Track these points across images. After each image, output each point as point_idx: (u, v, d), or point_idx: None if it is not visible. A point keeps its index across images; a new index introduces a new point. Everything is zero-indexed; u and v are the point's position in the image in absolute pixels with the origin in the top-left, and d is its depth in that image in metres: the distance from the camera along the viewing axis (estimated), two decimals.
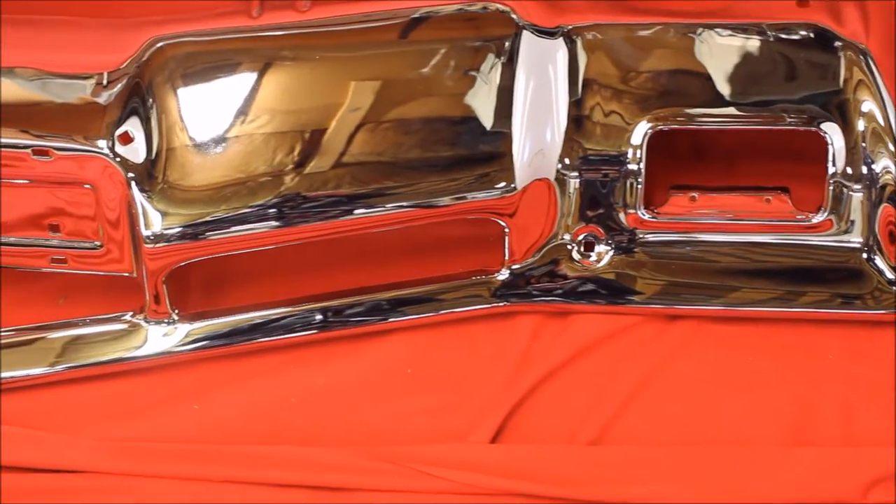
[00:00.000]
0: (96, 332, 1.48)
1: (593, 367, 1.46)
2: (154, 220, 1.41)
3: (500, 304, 1.50)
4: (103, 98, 1.42)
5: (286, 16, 1.46)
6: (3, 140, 1.41)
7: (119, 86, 1.42)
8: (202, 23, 1.45)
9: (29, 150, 1.41)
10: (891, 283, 1.47)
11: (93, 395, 1.46)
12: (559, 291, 1.50)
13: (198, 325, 1.48)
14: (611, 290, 1.50)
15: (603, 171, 1.47)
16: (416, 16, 1.47)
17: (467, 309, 1.50)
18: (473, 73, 1.45)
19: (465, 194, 1.45)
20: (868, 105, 1.45)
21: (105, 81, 1.43)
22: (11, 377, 1.46)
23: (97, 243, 1.45)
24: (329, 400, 1.45)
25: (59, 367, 1.47)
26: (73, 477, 1.37)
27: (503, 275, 1.51)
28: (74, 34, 1.48)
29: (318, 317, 1.49)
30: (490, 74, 1.45)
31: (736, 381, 1.44)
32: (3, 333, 1.48)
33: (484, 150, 1.45)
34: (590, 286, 1.51)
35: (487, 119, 1.44)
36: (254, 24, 1.45)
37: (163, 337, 1.48)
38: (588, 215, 1.49)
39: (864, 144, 1.45)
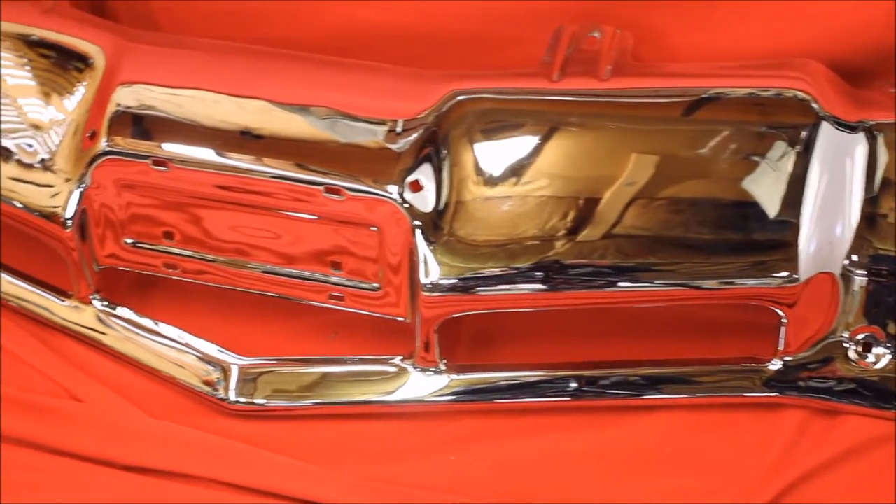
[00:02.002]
0: (364, 371, 1.51)
1: (858, 471, 1.42)
2: (434, 269, 1.43)
3: (770, 394, 1.47)
4: (398, 145, 1.45)
5: (585, 82, 1.46)
6: (299, 175, 1.45)
7: (415, 134, 1.45)
8: (503, 81, 1.47)
9: (322, 188, 1.44)
10: None
11: (354, 432, 1.48)
12: (831, 389, 1.47)
13: (461, 377, 1.50)
14: (884, 395, 1.46)
15: (892, 273, 1.43)
16: (705, 95, 1.45)
17: (734, 395, 1.47)
18: (758, 158, 1.43)
19: (735, 279, 1.43)
20: None
21: (399, 129, 1.46)
22: (277, 406, 1.50)
23: (376, 285, 1.48)
24: (582, 468, 1.44)
25: (324, 401, 1.50)
26: None
27: (775, 365, 1.48)
28: (374, 79, 1.52)
29: (573, 384, 1.49)
30: (780, 161, 1.43)
31: None
32: (273, 363, 1.52)
33: (765, 238, 1.42)
34: (863, 387, 1.46)
35: (772, 206, 1.42)
36: (552, 87, 1.46)
37: (427, 384, 1.49)
38: (870, 315, 1.45)
39: None
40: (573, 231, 1.42)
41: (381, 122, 1.46)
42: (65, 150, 1.52)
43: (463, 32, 1.59)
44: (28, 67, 1.57)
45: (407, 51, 1.58)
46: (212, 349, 1.55)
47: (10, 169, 1.55)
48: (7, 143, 1.55)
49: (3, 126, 1.55)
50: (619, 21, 1.53)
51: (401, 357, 1.50)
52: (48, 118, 1.53)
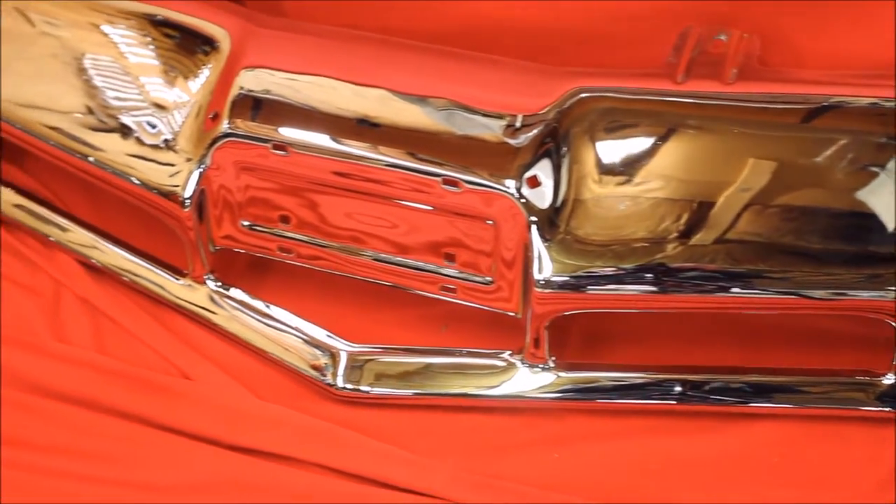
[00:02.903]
0: (473, 364, 1.51)
1: None
2: (548, 266, 1.42)
3: (884, 409, 1.45)
4: (517, 140, 1.45)
5: (709, 85, 1.45)
6: (417, 166, 1.45)
7: (535, 130, 1.45)
8: (627, 80, 1.46)
9: (440, 179, 1.44)
10: None
11: (458, 425, 1.48)
12: None
13: (568, 375, 1.49)
14: None
15: None
16: (826, 103, 1.43)
17: (845, 408, 1.45)
18: (878, 169, 1.40)
19: (850, 291, 1.40)
20: None
21: (519, 124, 1.46)
22: (383, 394, 1.50)
23: (489, 279, 1.48)
24: (688, 473, 1.43)
25: (429, 392, 1.50)
26: (429, 502, 1.40)
27: (889, 379, 1.46)
28: (496, 72, 1.51)
29: (679, 388, 1.48)
30: None
31: None
32: (381, 351, 1.53)
33: (882, 250, 1.40)
34: None
35: (891, 219, 1.40)
36: (676, 89, 1.45)
37: (534, 381, 1.49)
38: None
39: None
40: (687, 234, 1.41)
41: (501, 117, 1.46)
42: (187, 130, 1.54)
43: (588, 30, 1.59)
44: (151, 47, 1.59)
45: (531, 46, 1.58)
46: (321, 334, 1.56)
47: (128, 146, 1.57)
48: (127, 120, 1.58)
49: (124, 104, 1.57)
50: (747, 24, 1.52)
51: (510, 352, 1.50)
52: (172, 99, 1.55)
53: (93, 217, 1.68)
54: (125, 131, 1.57)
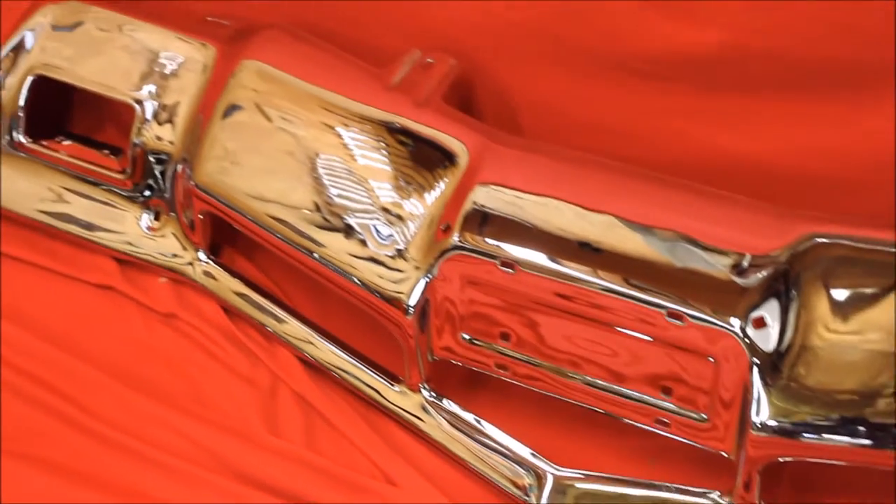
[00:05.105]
0: (679, 501, 1.49)
1: None
2: (766, 409, 1.40)
3: None
4: (745, 279, 1.43)
5: None
6: (642, 296, 1.45)
7: (764, 271, 1.43)
8: (862, 229, 1.44)
9: (664, 312, 1.44)
10: None
11: None
12: None
13: None
14: None
15: None
16: None
17: None
18: None
19: None
20: None
21: (747, 264, 1.44)
22: None
23: (704, 416, 1.46)
24: None
25: None
26: None
27: None
28: (728, 209, 1.51)
29: None
30: None
31: None
32: (589, 478, 1.52)
33: None
34: None
35: None
36: None
37: None
38: None
39: None
40: None
41: (727, 254, 1.45)
42: (418, 240, 1.56)
43: (823, 173, 1.58)
44: (384, 153, 1.62)
45: (765, 185, 1.57)
46: (527, 453, 1.56)
47: (352, 246, 1.60)
48: (352, 221, 1.61)
49: (352, 205, 1.61)
50: None
51: (718, 493, 1.48)
52: (407, 208, 1.58)
53: (314, 313, 1.71)
54: (349, 232, 1.60)
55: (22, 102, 1.79)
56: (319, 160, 1.64)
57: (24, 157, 1.82)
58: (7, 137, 1.81)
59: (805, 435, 1.40)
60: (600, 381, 1.51)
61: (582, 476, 1.53)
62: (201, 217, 1.72)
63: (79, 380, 1.63)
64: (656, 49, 1.59)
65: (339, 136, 1.64)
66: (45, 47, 1.79)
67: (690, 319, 1.43)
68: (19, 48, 1.80)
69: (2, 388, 1.62)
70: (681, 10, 1.57)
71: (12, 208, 1.82)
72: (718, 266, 1.45)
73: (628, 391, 1.50)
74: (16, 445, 1.56)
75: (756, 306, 1.42)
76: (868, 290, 1.41)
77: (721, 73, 1.58)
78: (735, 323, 1.42)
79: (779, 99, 1.57)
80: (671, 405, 1.48)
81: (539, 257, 1.48)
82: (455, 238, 1.52)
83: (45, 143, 1.82)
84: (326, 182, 1.63)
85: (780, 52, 1.54)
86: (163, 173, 1.75)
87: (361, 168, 1.62)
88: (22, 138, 1.81)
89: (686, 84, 1.60)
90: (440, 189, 1.57)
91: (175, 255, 1.76)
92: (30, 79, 1.79)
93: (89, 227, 1.79)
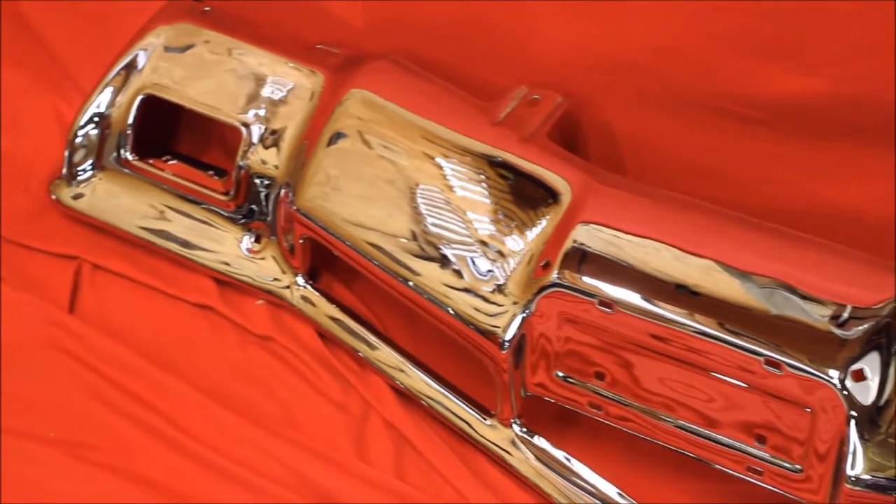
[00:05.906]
0: None
1: None
2: (862, 463, 1.39)
3: None
4: (846, 331, 1.42)
5: None
6: (740, 342, 1.44)
7: (865, 324, 1.42)
8: None
9: (762, 359, 1.43)
10: None
11: None
12: None
13: None
14: None
15: None
16: None
17: None
18: None
19: None
20: None
21: (847, 315, 1.43)
22: None
23: (798, 467, 1.45)
24: None
25: None
26: None
27: None
28: (829, 258, 1.49)
29: None
30: None
31: None
32: None
33: None
34: None
35: None
36: None
37: None
38: None
39: None
40: None
41: (828, 304, 1.44)
42: (517, 275, 1.56)
43: None
44: (484, 185, 1.63)
45: (868, 236, 1.56)
46: (614, 493, 1.56)
47: (447, 276, 1.61)
48: (448, 252, 1.62)
49: (449, 235, 1.61)
50: None
51: None
52: (508, 243, 1.59)
53: (408, 342, 1.72)
54: (445, 262, 1.61)
55: (131, 120, 1.83)
56: (419, 190, 1.65)
57: (129, 174, 1.85)
58: (114, 154, 1.84)
59: None
60: (694, 426, 1.50)
61: None
62: (301, 241, 1.74)
63: (172, 396, 1.65)
64: (763, 95, 1.59)
65: (441, 167, 1.65)
66: (156, 67, 1.82)
67: (788, 368, 1.42)
68: (131, 67, 1.83)
69: (97, 400, 1.64)
70: (790, 57, 1.56)
71: (114, 223, 1.85)
72: (817, 316, 1.43)
73: (722, 437, 1.49)
74: (106, 457, 1.59)
75: (856, 359, 1.41)
76: None
77: (829, 121, 1.57)
78: (834, 374, 1.40)
79: (887, 150, 1.56)
80: (765, 454, 1.47)
81: (637, 298, 1.48)
82: (554, 275, 1.52)
83: (151, 161, 1.85)
84: (424, 212, 1.64)
85: (890, 102, 1.53)
86: (266, 197, 1.77)
87: (461, 200, 1.63)
88: (129, 155, 1.84)
89: (792, 131, 1.60)
90: (541, 226, 1.57)
91: (274, 279, 1.78)
92: (140, 97, 1.82)
93: (188, 245, 1.82)
